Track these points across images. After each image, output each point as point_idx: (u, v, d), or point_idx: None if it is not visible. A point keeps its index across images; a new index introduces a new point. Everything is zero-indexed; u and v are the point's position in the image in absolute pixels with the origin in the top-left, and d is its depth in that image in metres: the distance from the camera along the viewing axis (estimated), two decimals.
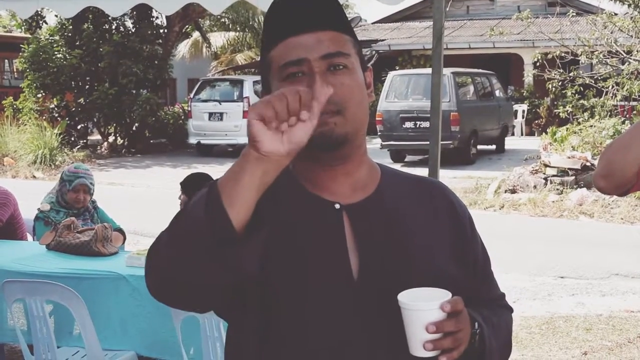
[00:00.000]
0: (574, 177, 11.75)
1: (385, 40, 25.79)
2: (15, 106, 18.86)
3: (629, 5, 14.11)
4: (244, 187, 1.31)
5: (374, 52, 24.46)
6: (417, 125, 15.88)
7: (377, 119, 16.54)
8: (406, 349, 1.42)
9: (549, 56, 14.49)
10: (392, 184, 1.61)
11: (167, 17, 19.85)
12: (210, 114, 18.70)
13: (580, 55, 14.10)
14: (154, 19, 20.37)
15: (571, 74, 14.51)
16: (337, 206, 1.53)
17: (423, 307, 1.39)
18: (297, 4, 1.51)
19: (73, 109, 19.60)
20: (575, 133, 14.25)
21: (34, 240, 5.25)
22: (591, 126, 14.06)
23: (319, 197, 1.54)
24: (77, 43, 19.22)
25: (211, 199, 1.31)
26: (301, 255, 1.49)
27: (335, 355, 1.48)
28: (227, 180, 1.33)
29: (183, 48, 27.06)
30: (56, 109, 19.65)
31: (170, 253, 1.35)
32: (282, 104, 1.29)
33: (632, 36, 14.03)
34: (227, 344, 1.60)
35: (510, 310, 1.74)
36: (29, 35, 20.11)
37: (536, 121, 22.39)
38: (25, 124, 17.99)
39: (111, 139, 20.05)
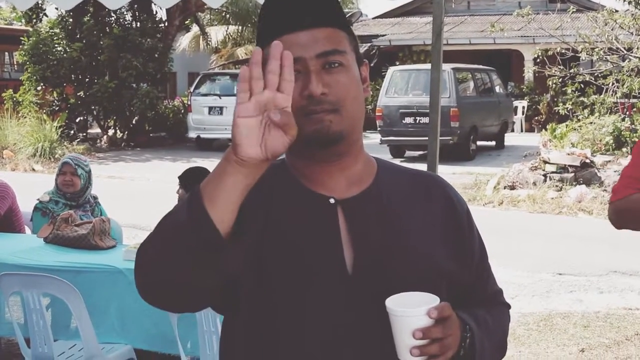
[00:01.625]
0: (573, 174, 11.74)
1: (385, 35, 25.80)
2: (15, 99, 18.83)
3: (630, 3, 14.09)
4: (226, 188, 1.30)
5: (374, 48, 24.47)
6: (417, 121, 15.87)
7: (377, 114, 16.55)
8: None
9: (550, 53, 14.47)
10: (389, 178, 1.60)
11: (167, 11, 19.82)
12: (210, 108, 18.69)
13: (581, 52, 14.08)
14: (154, 12, 20.34)
15: (571, 71, 14.50)
16: (332, 201, 1.53)
17: (410, 313, 1.38)
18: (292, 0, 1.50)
19: (73, 102, 19.58)
20: (575, 130, 14.25)
21: (31, 232, 5.25)
22: (591, 123, 14.06)
23: (313, 192, 1.54)
24: (78, 36, 19.19)
25: (193, 201, 1.31)
26: (296, 249, 1.49)
27: (329, 348, 1.47)
28: (209, 182, 1.32)
29: (183, 42, 27.02)
30: (56, 101, 19.64)
31: (155, 255, 1.35)
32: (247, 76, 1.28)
33: (632, 33, 14.01)
34: (222, 337, 1.60)
35: (508, 306, 1.72)
36: (29, 28, 20.06)
37: (536, 118, 22.39)
38: (25, 117, 17.95)
39: (111, 132, 20.03)
